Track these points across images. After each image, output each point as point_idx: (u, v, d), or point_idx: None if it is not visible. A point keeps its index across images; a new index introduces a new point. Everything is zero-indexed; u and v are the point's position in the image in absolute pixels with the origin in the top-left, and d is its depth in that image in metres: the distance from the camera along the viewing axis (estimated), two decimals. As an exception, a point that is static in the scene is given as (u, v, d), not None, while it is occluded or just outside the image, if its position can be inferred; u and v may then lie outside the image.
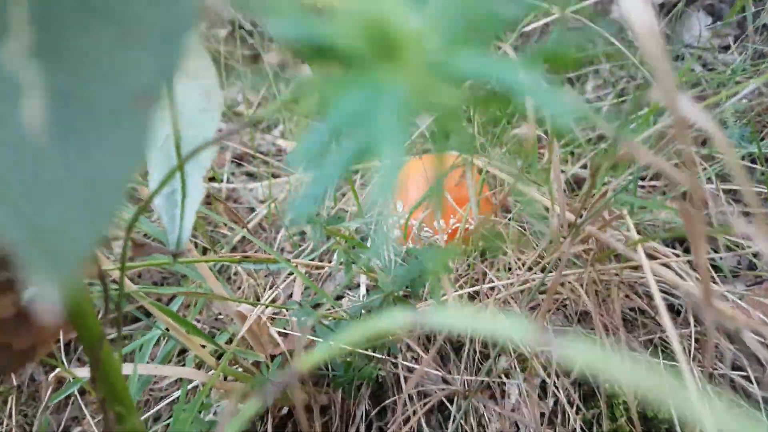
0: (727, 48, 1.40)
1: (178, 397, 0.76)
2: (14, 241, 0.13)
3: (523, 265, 0.70)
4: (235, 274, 1.01)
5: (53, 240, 0.13)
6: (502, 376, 0.67)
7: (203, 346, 0.68)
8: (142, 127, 0.14)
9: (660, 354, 0.69)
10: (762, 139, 0.93)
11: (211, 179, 1.30)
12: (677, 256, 0.76)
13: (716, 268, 0.72)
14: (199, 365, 0.77)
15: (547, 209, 0.74)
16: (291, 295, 0.91)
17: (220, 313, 0.90)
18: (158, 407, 0.78)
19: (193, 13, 0.14)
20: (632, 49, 0.87)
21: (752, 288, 0.79)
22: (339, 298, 0.89)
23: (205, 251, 1.00)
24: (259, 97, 1.58)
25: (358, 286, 0.88)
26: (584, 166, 1.01)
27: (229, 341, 0.82)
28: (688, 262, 0.74)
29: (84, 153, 0.13)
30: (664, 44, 0.22)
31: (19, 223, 0.13)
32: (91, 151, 0.13)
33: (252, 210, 1.20)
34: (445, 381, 0.68)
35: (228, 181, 1.31)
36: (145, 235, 0.97)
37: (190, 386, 0.73)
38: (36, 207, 0.13)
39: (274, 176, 1.26)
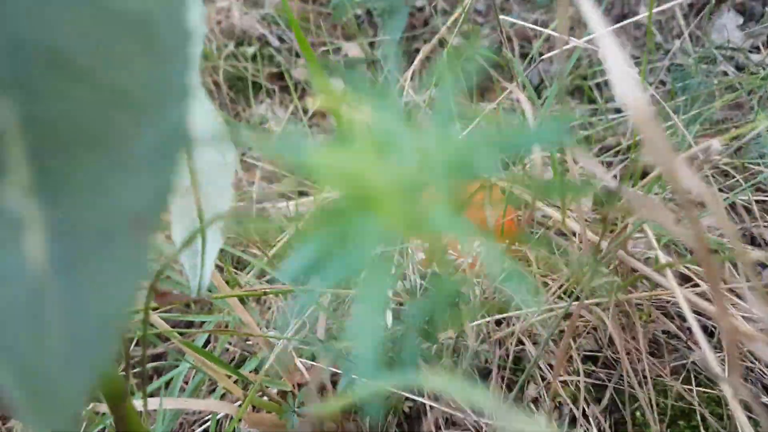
0: (758, 48, 1.36)
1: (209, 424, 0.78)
2: (5, 385, 0.13)
3: (549, 290, 0.69)
4: (265, 294, 1.02)
5: (49, 386, 0.14)
6: (531, 405, 0.66)
7: (229, 376, 0.69)
8: (141, 250, 0.14)
9: (693, 380, 0.68)
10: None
11: (242, 199, 1.32)
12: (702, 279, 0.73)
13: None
14: (228, 394, 0.78)
15: (572, 233, 0.72)
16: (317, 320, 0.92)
17: (248, 339, 0.91)
18: (191, 434, 0.79)
19: (181, 129, 0.15)
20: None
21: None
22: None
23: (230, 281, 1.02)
24: (288, 113, 1.60)
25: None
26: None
27: (257, 369, 0.83)
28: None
29: (84, 284, 0.14)
30: (659, 125, 0.22)
31: (12, 366, 0.14)
32: (92, 281, 0.13)
33: (281, 229, 1.21)
34: (474, 411, 0.67)
35: (257, 201, 1.32)
36: (168, 277, 0.99)
37: (220, 415, 0.74)
38: (32, 348, 0.14)
39: (303, 194, 1.27)
